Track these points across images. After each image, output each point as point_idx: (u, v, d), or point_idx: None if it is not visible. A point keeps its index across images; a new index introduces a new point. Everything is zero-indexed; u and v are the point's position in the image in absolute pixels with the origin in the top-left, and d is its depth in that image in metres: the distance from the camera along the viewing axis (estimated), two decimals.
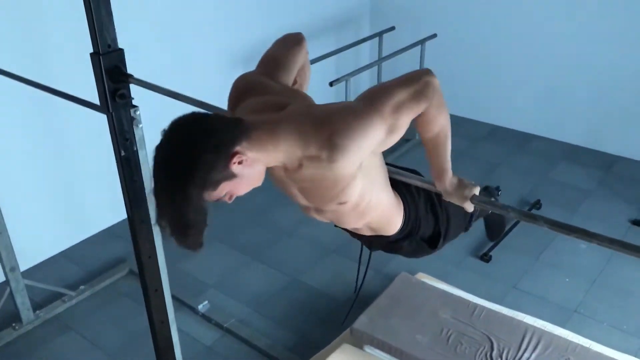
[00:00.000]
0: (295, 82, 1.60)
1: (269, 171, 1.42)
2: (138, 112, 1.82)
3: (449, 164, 1.43)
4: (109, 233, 3.88)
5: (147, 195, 1.94)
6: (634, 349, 2.87)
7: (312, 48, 5.07)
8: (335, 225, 1.85)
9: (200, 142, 1.18)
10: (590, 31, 4.46)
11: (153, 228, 2.00)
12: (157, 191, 1.22)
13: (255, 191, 1.35)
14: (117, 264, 3.58)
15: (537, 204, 4.03)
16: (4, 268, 2.99)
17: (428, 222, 1.77)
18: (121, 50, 1.71)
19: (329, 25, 5.05)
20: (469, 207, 1.42)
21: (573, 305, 3.18)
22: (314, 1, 4.89)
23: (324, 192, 1.37)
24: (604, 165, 4.53)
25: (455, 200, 1.45)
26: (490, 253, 3.57)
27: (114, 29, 1.65)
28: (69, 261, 3.67)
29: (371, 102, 1.29)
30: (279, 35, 1.63)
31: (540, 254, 3.58)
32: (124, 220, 3.94)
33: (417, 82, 1.29)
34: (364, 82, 5.74)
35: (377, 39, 4.84)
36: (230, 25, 4.26)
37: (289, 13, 4.58)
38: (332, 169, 1.28)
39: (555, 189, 4.26)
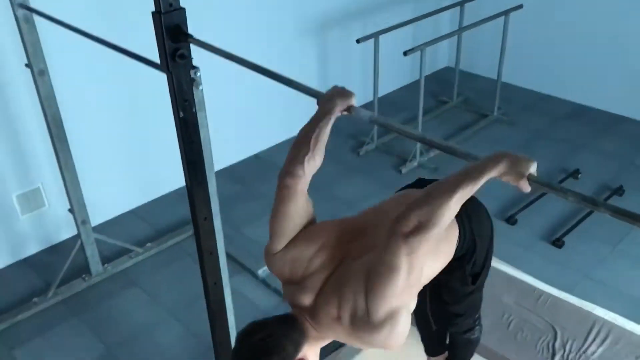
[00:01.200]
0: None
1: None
2: (198, 74, 1.79)
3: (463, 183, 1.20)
4: (177, 194, 3.96)
5: (204, 157, 1.94)
6: None
7: (387, 16, 4.87)
8: None
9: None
10: None
11: (210, 190, 1.99)
12: None
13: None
14: (183, 225, 3.65)
15: (619, 190, 3.78)
16: (75, 221, 3.11)
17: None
18: (183, 10, 1.68)
19: None
20: (525, 186, 1.17)
21: None
22: None
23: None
24: None
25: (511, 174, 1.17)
26: (564, 239, 3.38)
27: None
28: (138, 219, 3.78)
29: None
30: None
31: (618, 243, 3.36)
32: None
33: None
34: (442, 53, 5.55)
35: (458, 8, 4.65)
36: None
37: None
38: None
39: None
